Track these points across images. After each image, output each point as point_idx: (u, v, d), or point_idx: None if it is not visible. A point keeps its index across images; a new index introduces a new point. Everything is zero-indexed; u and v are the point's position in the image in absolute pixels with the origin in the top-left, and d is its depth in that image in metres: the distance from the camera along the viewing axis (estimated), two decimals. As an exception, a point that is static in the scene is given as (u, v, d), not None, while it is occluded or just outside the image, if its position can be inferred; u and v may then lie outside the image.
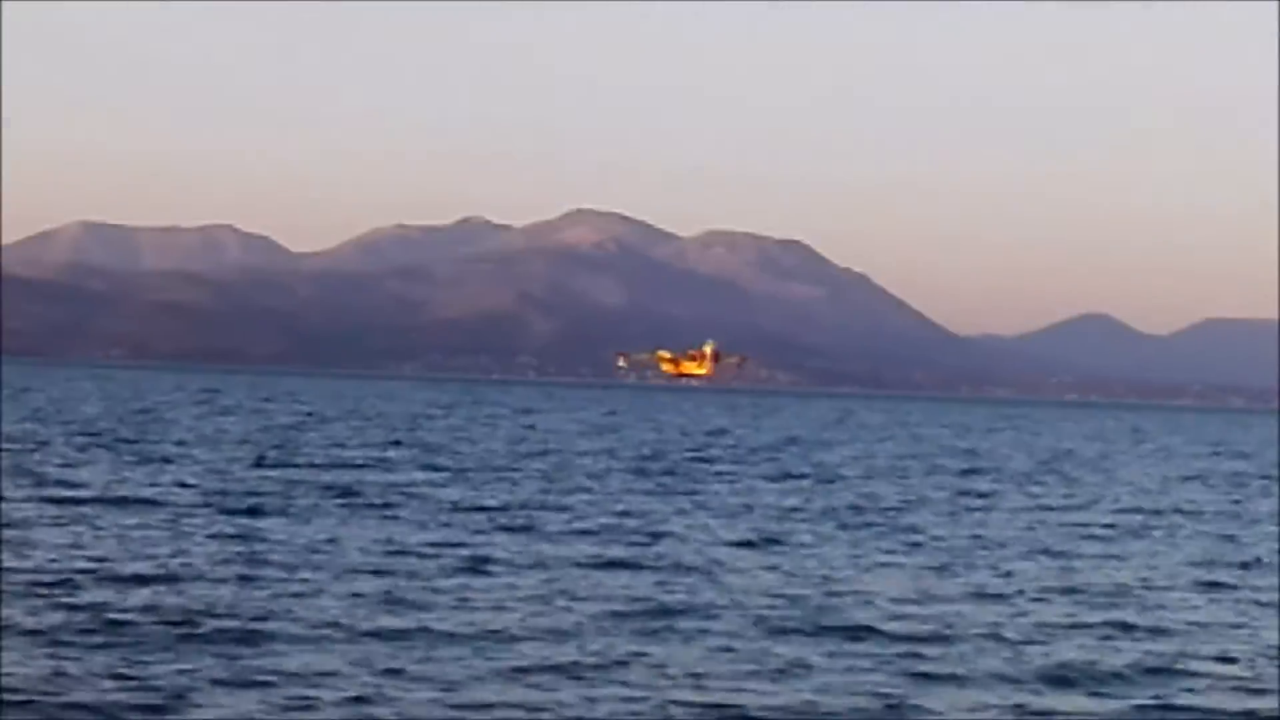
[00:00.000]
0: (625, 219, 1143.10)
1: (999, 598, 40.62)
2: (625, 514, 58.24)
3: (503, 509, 58.10)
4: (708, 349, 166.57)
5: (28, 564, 38.84)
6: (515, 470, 79.61)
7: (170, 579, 37.72)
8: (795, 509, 63.28)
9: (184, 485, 62.37)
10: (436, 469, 78.26)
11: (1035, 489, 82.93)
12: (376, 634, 31.86)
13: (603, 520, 55.51)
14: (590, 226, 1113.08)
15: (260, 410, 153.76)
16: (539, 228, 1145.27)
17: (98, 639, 30.13)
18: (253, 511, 53.28)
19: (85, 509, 51.99)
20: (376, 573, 40.13)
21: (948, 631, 35.04)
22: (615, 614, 35.48)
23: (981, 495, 75.85)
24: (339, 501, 58.19)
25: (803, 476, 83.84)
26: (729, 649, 32.04)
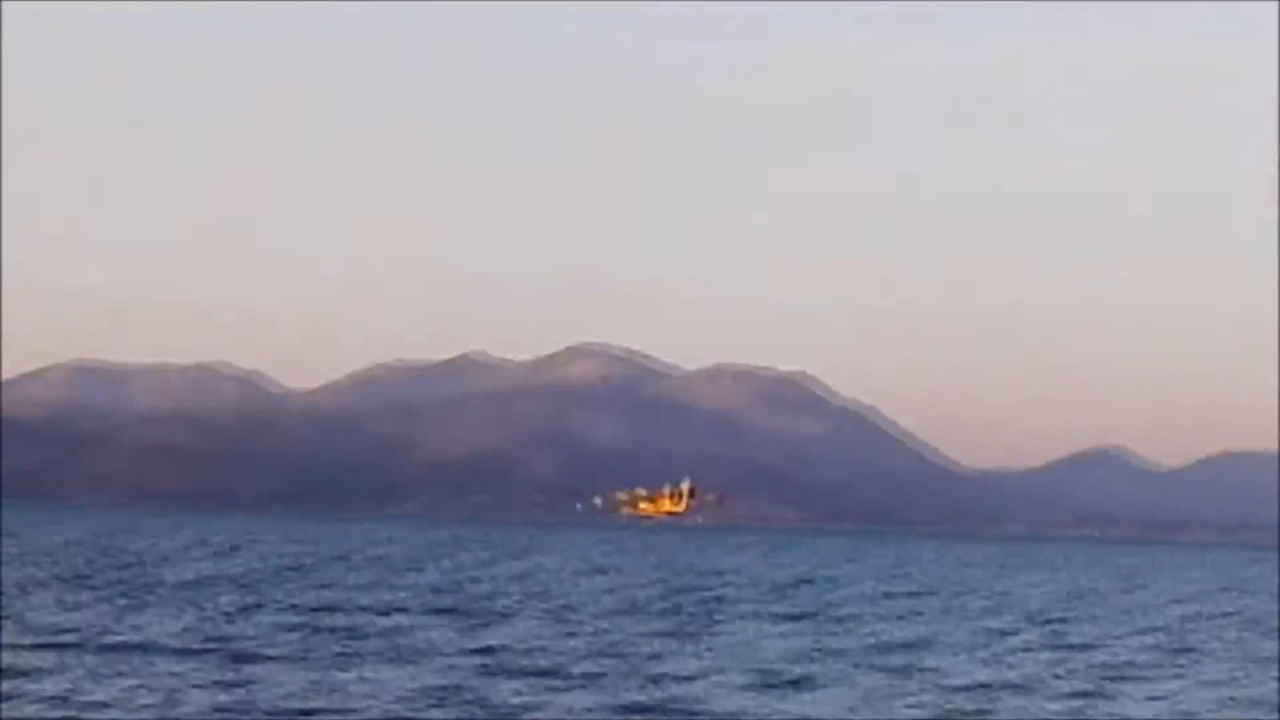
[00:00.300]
0: (625, 355, 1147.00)
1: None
2: (635, 655, 56.38)
3: (511, 651, 56.25)
4: (684, 486, 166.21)
5: (15, 716, 37.08)
6: (519, 611, 77.68)
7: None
8: (811, 650, 61.36)
9: (180, 631, 60.51)
10: (439, 611, 76.32)
11: (1056, 627, 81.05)
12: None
13: (610, 662, 53.67)
14: (592, 362, 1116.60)
15: (255, 552, 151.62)
16: (539, 363, 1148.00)
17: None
18: (251, 658, 51.45)
19: (75, 655, 50.21)
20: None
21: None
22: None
23: (1002, 633, 73.96)
24: (342, 646, 56.37)
25: (815, 616, 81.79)
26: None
